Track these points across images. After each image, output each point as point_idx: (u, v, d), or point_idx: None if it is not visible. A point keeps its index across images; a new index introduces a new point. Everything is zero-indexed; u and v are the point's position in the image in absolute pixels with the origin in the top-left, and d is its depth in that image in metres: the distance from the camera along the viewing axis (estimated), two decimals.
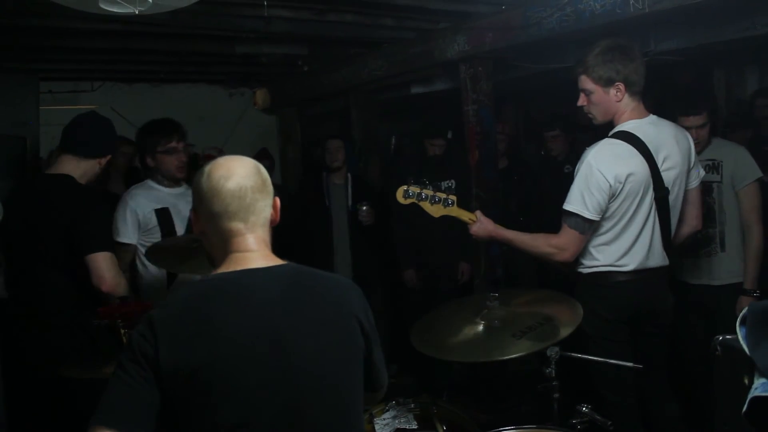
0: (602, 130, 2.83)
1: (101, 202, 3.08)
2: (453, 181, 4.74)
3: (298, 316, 1.56)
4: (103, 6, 2.22)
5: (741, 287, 3.40)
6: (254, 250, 1.62)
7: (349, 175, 4.96)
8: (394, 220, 4.86)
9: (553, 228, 2.76)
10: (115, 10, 2.24)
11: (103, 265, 2.86)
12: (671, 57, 3.99)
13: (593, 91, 2.72)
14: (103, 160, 3.13)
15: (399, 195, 2.86)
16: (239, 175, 1.61)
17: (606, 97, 2.70)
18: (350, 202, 4.88)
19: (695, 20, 3.58)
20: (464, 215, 2.87)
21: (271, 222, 1.69)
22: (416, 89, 5.62)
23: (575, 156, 4.82)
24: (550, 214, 4.45)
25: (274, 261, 1.64)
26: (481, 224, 2.84)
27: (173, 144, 3.36)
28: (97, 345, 2.94)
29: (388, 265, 5.09)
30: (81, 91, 5.97)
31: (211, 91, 6.63)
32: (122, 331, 2.60)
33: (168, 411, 1.47)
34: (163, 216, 3.37)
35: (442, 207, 2.84)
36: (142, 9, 2.25)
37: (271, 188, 1.67)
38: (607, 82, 2.67)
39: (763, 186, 3.44)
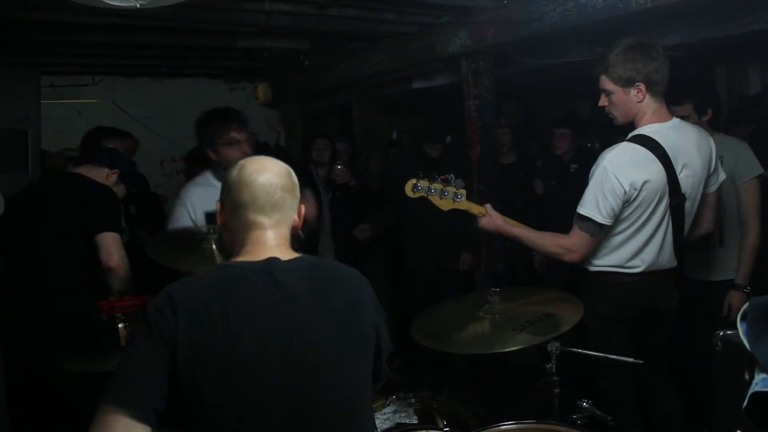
0: (609, 130, 2.80)
1: (111, 191, 3.22)
2: (452, 175, 4.75)
3: (316, 309, 1.58)
4: None
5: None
6: (274, 243, 1.65)
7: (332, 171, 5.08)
8: (388, 208, 4.96)
9: (558, 227, 2.76)
10: (117, 4, 2.23)
11: (111, 243, 3.04)
12: (673, 52, 3.97)
13: (613, 92, 2.64)
14: (112, 174, 3.26)
15: (408, 189, 2.85)
16: (271, 171, 1.66)
17: (626, 97, 2.62)
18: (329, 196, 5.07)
19: (697, 15, 3.57)
20: (474, 208, 2.86)
21: (294, 227, 1.72)
22: (417, 84, 5.63)
23: (581, 155, 4.87)
24: (556, 213, 4.49)
25: (292, 254, 1.67)
26: (491, 218, 2.83)
27: (232, 134, 3.16)
28: (99, 337, 2.96)
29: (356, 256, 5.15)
30: (82, 85, 5.97)
31: (212, 86, 6.64)
32: (122, 324, 2.62)
33: (178, 394, 1.46)
34: (211, 220, 3.34)
35: (452, 201, 2.83)
36: (144, 3, 2.24)
37: (298, 194, 1.71)
38: (627, 83, 2.59)
39: (763, 182, 3.43)
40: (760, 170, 3.38)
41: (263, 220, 1.64)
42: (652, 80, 2.58)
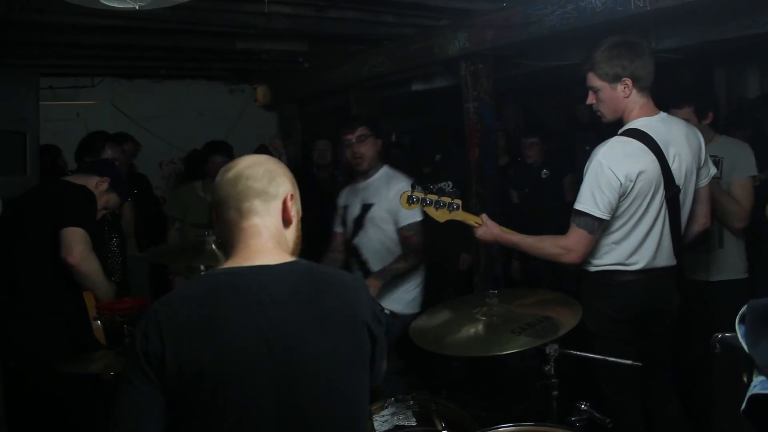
0: (605, 129, 2.82)
1: (87, 192, 3.19)
2: (449, 182, 4.79)
3: (308, 318, 1.54)
4: (103, 1, 2.21)
5: (739, 284, 3.41)
6: (263, 247, 1.60)
7: (335, 172, 5.04)
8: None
9: (537, 233, 2.77)
10: (116, 6, 2.23)
11: (72, 237, 2.97)
12: (672, 55, 3.99)
13: (600, 88, 2.68)
14: (102, 182, 3.26)
15: (403, 201, 2.85)
16: (240, 166, 1.64)
17: (613, 93, 2.66)
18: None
19: (696, 18, 3.58)
20: (470, 219, 2.85)
21: (286, 220, 1.66)
22: (417, 86, 5.63)
23: (549, 161, 4.95)
24: (533, 219, 4.55)
25: (284, 257, 1.62)
26: (487, 228, 2.82)
27: (346, 136, 3.53)
28: (77, 335, 2.97)
29: None
30: (81, 87, 5.97)
31: (212, 87, 6.64)
32: (124, 327, 2.62)
33: (171, 411, 1.45)
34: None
35: (447, 211, 2.82)
36: (143, 4, 2.25)
37: (280, 185, 1.65)
38: (614, 79, 2.64)
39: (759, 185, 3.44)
40: (755, 171, 3.39)
41: (234, 215, 1.61)
42: (638, 75, 2.62)
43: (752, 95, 5.38)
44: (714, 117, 3.46)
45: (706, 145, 3.27)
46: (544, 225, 2.86)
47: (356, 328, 1.61)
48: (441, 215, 2.83)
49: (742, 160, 3.38)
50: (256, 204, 1.61)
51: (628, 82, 2.62)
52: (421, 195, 2.82)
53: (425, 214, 2.96)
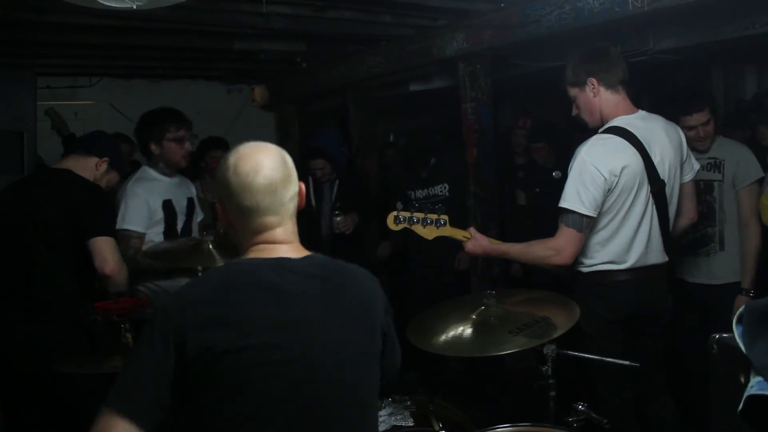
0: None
1: (101, 191, 3.11)
2: (446, 185, 4.78)
3: (326, 311, 1.57)
4: (101, 1, 2.21)
5: (739, 286, 3.40)
6: (284, 242, 1.63)
7: (337, 180, 5.07)
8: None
9: (541, 234, 2.77)
10: (114, 5, 2.23)
11: (105, 248, 2.90)
12: (669, 56, 4.00)
13: (576, 96, 2.82)
14: (102, 163, 3.14)
15: (390, 222, 2.84)
16: (267, 167, 1.58)
17: (585, 95, 2.78)
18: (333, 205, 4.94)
19: (694, 19, 3.58)
20: (458, 234, 2.85)
21: (298, 208, 1.70)
22: (415, 86, 5.63)
23: (561, 161, 4.94)
24: (540, 221, 4.53)
25: (302, 252, 1.65)
26: (476, 241, 2.83)
27: (182, 132, 3.42)
28: (95, 340, 2.93)
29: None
30: (79, 87, 5.95)
31: (209, 88, 6.63)
32: (122, 326, 2.61)
33: (185, 394, 1.46)
34: (168, 208, 3.41)
35: (435, 228, 2.82)
36: (140, 4, 2.24)
37: (295, 176, 1.67)
38: (582, 82, 2.77)
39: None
40: (762, 174, 3.38)
41: (271, 220, 1.61)
42: (601, 76, 2.73)
43: (750, 96, 5.38)
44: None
45: (711, 144, 3.32)
46: (545, 226, 2.85)
47: (370, 323, 1.65)
48: (429, 232, 2.83)
49: (748, 165, 3.38)
50: (291, 208, 1.66)
51: (593, 81, 2.74)
52: (407, 214, 2.82)
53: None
